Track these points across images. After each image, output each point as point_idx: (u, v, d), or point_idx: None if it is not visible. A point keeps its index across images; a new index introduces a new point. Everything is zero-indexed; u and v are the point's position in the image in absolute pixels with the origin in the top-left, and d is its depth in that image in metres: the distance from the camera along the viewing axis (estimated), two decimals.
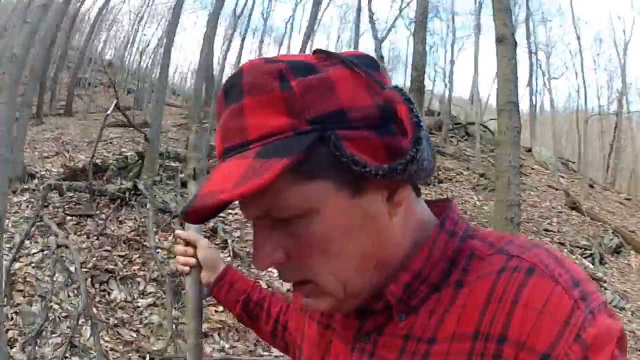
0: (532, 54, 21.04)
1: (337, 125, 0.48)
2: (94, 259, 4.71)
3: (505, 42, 4.01)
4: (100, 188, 5.86)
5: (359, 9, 16.96)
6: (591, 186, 13.75)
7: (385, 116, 0.50)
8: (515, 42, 4.11)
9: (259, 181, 0.44)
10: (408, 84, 11.45)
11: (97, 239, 5.06)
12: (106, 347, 3.57)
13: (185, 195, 6.78)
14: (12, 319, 3.65)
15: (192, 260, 0.96)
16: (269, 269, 0.64)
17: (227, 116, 0.51)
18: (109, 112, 5.64)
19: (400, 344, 0.53)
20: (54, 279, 4.21)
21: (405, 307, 0.53)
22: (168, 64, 8.38)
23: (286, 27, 19.66)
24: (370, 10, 14.41)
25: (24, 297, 3.95)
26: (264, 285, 4.13)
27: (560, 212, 9.73)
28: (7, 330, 3.50)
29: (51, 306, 3.93)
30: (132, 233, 5.36)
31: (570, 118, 23.18)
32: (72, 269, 4.41)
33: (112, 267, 4.63)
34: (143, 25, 24.68)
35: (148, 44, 25.14)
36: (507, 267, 0.48)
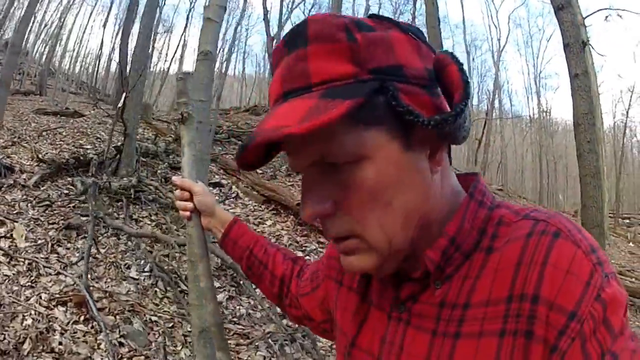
0: None
1: (394, 78, 0.47)
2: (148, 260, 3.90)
3: None
4: (105, 185, 4.77)
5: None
6: None
7: (432, 78, 0.50)
8: None
9: (327, 116, 0.43)
10: None
11: (130, 239, 4.16)
12: None
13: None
14: (122, 344, 2.86)
15: (190, 205, 0.89)
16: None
17: (290, 61, 0.49)
18: (119, 104, 4.62)
19: (435, 312, 0.50)
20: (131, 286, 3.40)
21: (441, 274, 0.51)
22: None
23: (188, 17, 18.45)
24: (264, 7, 14.09)
25: (112, 315, 3.11)
26: None
27: None
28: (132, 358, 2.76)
29: (149, 320, 3.19)
30: (158, 231, 4.54)
31: None
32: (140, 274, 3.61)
33: (169, 267, 3.90)
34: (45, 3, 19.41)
35: (48, 25, 19.97)
36: (535, 230, 0.47)
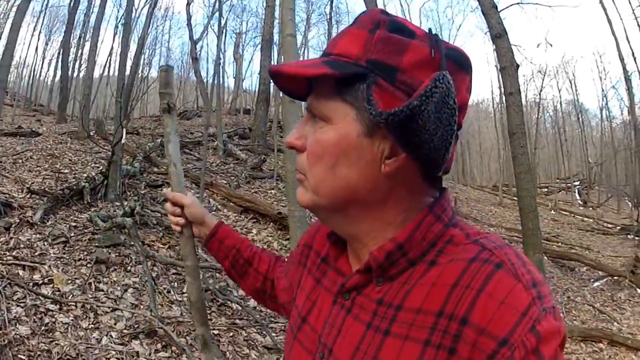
0: None
1: (383, 75, 0.49)
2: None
3: None
4: (110, 214, 4.67)
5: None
6: None
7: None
8: None
9: (303, 70, 0.51)
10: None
11: (155, 265, 4.22)
12: None
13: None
14: None
15: (182, 221, 0.90)
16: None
17: (341, 32, 0.55)
18: (123, 140, 4.53)
19: (373, 307, 0.53)
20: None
21: (384, 273, 0.53)
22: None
23: (117, 25, 16.97)
24: (188, 12, 13.65)
25: (182, 337, 3.29)
26: None
27: None
28: None
29: (211, 334, 3.41)
30: (171, 253, 4.62)
31: None
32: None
33: (205, 286, 4.07)
34: None
35: None
36: (479, 257, 0.48)
